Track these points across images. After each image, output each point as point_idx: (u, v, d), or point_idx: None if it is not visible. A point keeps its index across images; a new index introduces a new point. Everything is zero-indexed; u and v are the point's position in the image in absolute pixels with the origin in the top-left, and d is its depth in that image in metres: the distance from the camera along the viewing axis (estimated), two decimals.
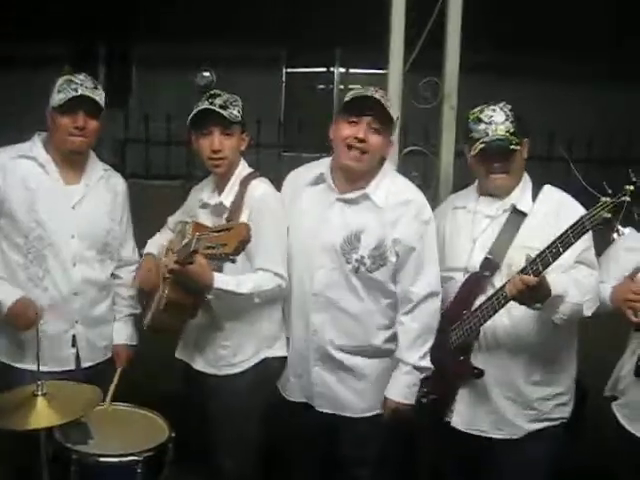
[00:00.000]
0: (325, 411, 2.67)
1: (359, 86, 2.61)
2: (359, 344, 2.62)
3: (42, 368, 2.27)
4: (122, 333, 2.87)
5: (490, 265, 2.50)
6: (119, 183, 2.88)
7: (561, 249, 2.20)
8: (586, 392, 3.46)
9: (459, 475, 2.75)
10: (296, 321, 2.67)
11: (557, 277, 2.32)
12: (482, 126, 2.50)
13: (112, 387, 2.69)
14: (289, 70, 8.62)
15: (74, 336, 2.72)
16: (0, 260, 2.66)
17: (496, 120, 2.49)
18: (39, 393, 2.12)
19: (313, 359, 2.65)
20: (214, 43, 7.77)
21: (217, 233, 2.22)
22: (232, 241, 2.14)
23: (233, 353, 2.67)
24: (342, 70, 8.69)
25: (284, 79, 8.65)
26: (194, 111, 2.61)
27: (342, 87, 8.62)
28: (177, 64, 8.19)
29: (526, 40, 7.00)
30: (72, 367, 2.71)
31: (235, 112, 2.61)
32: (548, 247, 2.23)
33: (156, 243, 2.88)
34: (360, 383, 2.65)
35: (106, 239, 2.77)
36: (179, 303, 2.50)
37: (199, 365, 2.73)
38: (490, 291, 2.45)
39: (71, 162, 2.71)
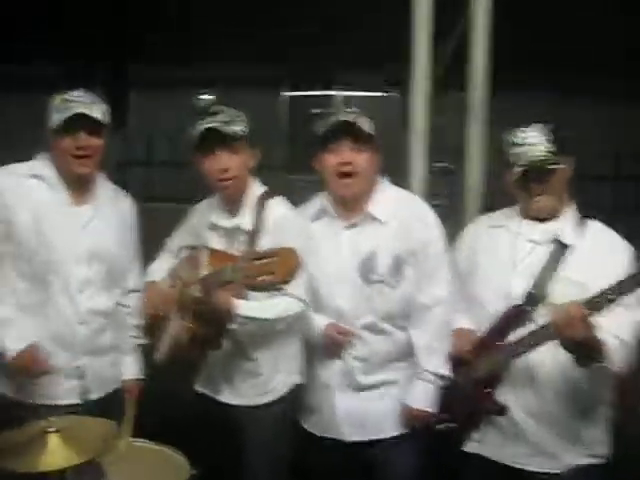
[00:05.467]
0: (356, 439, 2.57)
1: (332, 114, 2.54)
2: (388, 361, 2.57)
3: (44, 402, 2.20)
4: (131, 367, 2.68)
5: (533, 299, 2.38)
6: (127, 205, 2.71)
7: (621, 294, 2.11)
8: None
9: None
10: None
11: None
12: (517, 149, 2.41)
13: (127, 421, 2.49)
14: (291, 93, 8.49)
15: (79, 368, 2.51)
16: (8, 289, 2.47)
17: (531, 141, 2.39)
18: (51, 430, 1.93)
19: (339, 387, 2.57)
20: (214, 64, 7.67)
21: (259, 261, 2.06)
22: (281, 269, 2.01)
23: (265, 381, 2.53)
24: (344, 94, 8.57)
25: (287, 101, 8.53)
26: (197, 131, 2.45)
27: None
28: (176, 85, 8.07)
29: (580, 59, 6.80)
30: (77, 400, 2.47)
31: (239, 128, 2.46)
32: (614, 286, 2.12)
33: (158, 269, 2.71)
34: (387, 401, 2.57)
35: (113, 264, 2.59)
36: (203, 334, 2.36)
37: (225, 397, 2.56)
38: (530, 326, 2.35)
39: (80, 182, 2.54)
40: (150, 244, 2.80)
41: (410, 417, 2.53)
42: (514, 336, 2.37)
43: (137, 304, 2.68)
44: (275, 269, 2.01)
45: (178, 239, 2.75)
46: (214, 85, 8.34)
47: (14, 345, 2.40)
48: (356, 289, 2.51)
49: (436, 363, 2.50)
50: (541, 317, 2.33)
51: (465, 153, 3.12)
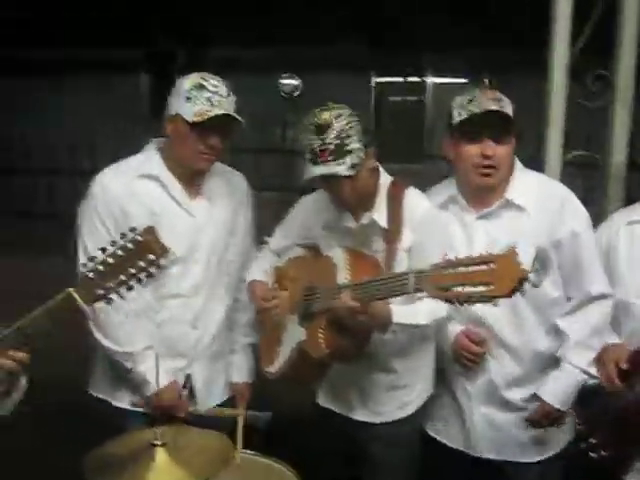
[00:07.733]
0: (490, 457, 2.29)
1: (469, 96, 2.16)
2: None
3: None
4: (243, 369, 2.43)
5: None
6: (241, 185, 2.40)
7: None
8: None
9: None
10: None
11: None
12: None
13: (239, 435, 2.20)
14: (378, 79, 8.11)
15: (188, 376, 2.29)
16: None
17: None
18: (158, 443, 1.70)
19: (475, 399, 2.27)
20: (299, 47, 7.39)
21: (465, 268, 1.60)
22: (501, 279, 1.53)
23: (406, 393, 2.25)
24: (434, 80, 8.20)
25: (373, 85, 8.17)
26: (308, 175, 2.01)
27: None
28: (259, 68, 7.82)
29: None
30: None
31: (357, 152, 1.98)
32: None
33: (260, 270, 2.37)
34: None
35: (230, 260, 2.33)
36: (343, 349, 2.02)
37: (359, 415, 2.27)
38: None
39: (196, 175, 2.26)
40: None
41: (541, 413, 2.21)
42: None
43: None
44: (491, 279, 1.55)
45: (282, 238, 2.41)
46: (291, 68, 8.04)
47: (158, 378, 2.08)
48: None
49: (585, 359, 2.16)
50: None
51: (608, 140, 2.76)
